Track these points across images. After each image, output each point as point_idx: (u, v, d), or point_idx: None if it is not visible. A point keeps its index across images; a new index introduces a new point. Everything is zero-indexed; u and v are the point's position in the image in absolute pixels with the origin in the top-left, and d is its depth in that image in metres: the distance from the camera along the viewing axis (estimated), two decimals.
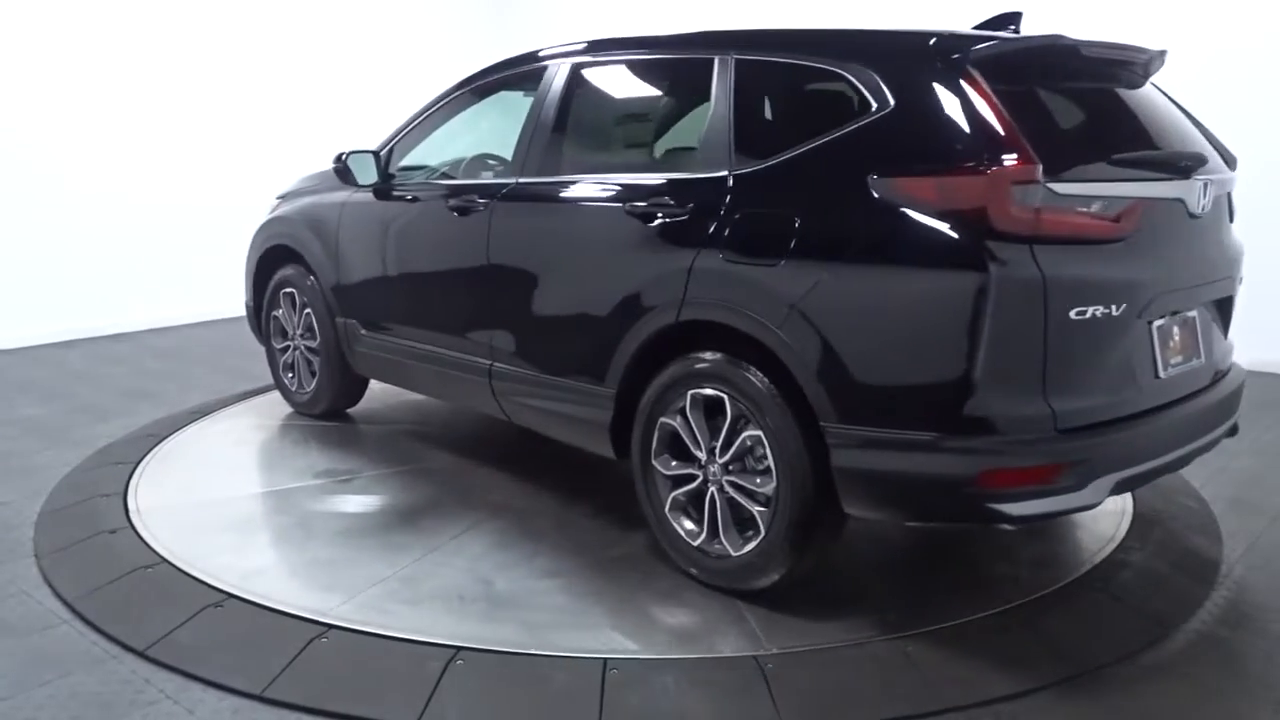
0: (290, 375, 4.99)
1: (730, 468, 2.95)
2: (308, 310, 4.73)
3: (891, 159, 2.61)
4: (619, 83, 3.72)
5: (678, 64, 3.44)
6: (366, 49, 8.61)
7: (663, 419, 3.09)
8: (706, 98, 3.08)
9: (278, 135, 7.94)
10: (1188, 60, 5.50)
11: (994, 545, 3.38)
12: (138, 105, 7.16)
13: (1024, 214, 2.42)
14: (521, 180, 3.62)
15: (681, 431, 3.05)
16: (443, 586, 3.10)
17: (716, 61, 3.09)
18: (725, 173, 2.94)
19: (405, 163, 4.29)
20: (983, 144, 2.46)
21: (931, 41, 2.68)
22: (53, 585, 3.11)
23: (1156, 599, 3.02)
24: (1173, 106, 3.09)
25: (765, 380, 2.79)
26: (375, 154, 4.23)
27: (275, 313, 4.97)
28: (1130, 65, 3.00)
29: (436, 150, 4.30)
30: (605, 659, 2.63)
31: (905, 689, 2.53)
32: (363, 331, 4.44)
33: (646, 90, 3.70)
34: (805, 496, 2.74)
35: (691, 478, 3.05)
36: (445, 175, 4.22)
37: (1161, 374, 2.74)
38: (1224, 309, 3.12)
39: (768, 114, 3.03)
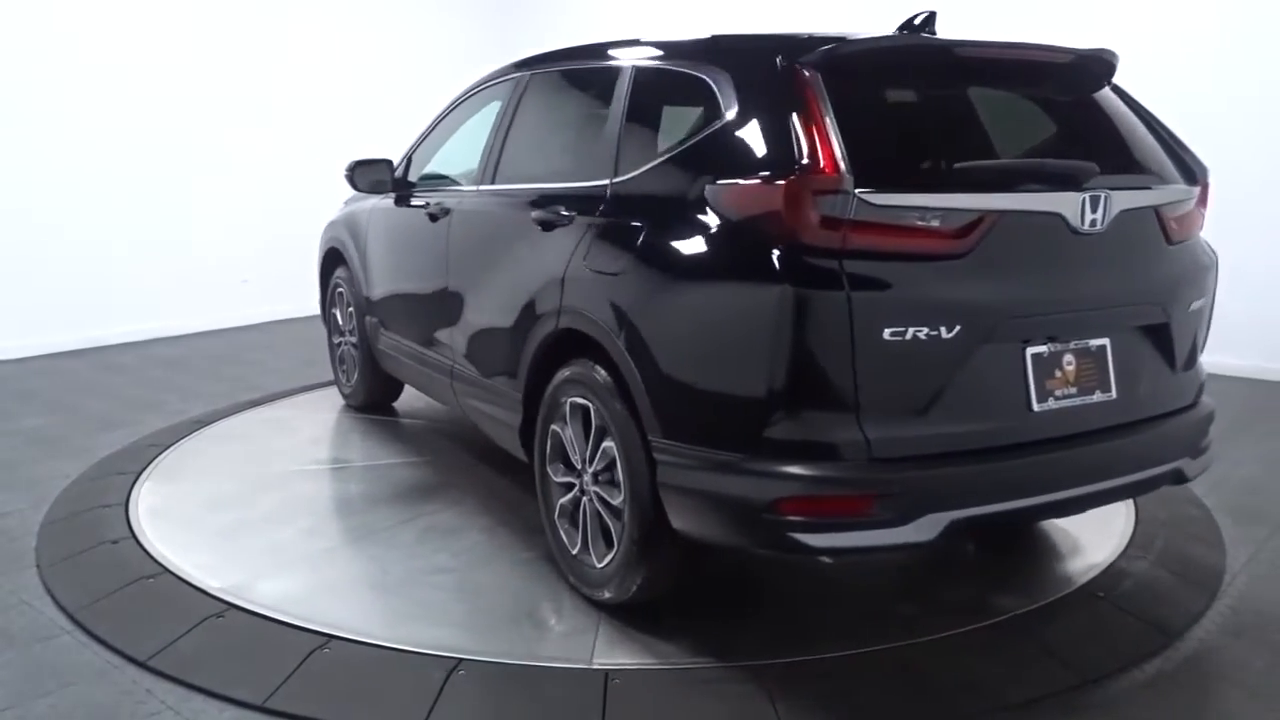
0: (343, 368, 5.32)
1: (599, 478, 2.92)
2: (351, 309, 5.02)
3: (723, 166, 2.56)
4: (552, 95, 3.79)
5: (598, 74, 3.42)
6: (384, 56, 8.62)
7: (553, 425, 3.09)
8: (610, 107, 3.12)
9: (285, 145, 7.95)
10: (1189, 62, 5.53)
11: (993, 553, 3.38)
12: (143, 114, 7.17)
13: (828, 226, 2.28)
14: (479, 188, 3.76)
15: (564, 439, 3.05)
16: (345, 571, 3.29)
17: (622, 70, 3.12)
18: (606, 181, 2.96)
19: (428, 170, 4.40)
20: (791, 151, 2.35)
21: (780, 45, 2.57)
22: (54, 595, 3.12)
23: (1159, 608, 3.01)
24: (1123, 114, 2.86)
25: (617, 391, 2.76)
26: (381, 162, 4.36)
27: (334, 310, 5.30)
28: (1047, 67, 2.77)
29: (453, 157, 4.38)
30: (607, 670, 2.63)
31: (908, 697, 2.53)
32: (382, 330, 4.65)
33: (571, 102, 3.75)
34: (644, 512, 2.68)
35: (572, 486, 3.06)
36: (455, 183, 4.27)
37: (1036, 406, 2.47)
38: (1161, 338, 2.72)
39: (648, 122, 3.03)
